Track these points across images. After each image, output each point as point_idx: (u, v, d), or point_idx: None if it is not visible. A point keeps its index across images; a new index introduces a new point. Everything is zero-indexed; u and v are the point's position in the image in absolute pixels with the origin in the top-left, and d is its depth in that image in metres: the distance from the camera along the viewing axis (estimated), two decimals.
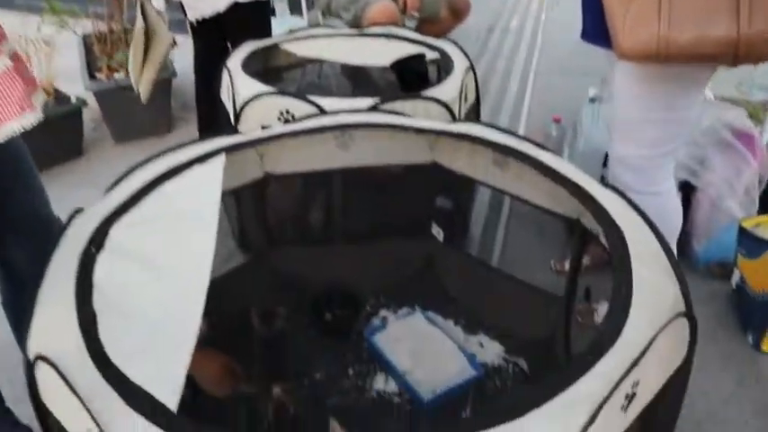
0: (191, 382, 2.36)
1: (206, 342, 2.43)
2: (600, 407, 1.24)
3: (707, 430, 2.52)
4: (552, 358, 2.42)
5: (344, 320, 2.78)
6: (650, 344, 1.36)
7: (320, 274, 2.83)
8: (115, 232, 1.76)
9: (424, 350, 2.55)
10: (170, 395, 1.29)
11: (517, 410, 1.14)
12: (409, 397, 2.41)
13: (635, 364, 1.33)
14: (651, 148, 2.41)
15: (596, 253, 2.29)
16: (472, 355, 2.55)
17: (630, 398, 1.38)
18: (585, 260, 2.34)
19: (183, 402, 2.29)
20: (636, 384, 1.38)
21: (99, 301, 1.53)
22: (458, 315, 2.76)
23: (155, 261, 1.70)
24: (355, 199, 2.89)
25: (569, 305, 2.34)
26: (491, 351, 2.60)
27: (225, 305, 2.49)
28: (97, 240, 1.72)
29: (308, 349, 2.65)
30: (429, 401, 2.36)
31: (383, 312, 2.81)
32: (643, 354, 1.34)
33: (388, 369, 2.51)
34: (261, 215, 2.80)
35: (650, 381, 1.45)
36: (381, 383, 2.48)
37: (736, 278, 3.03)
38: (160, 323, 1.53)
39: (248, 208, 2.87)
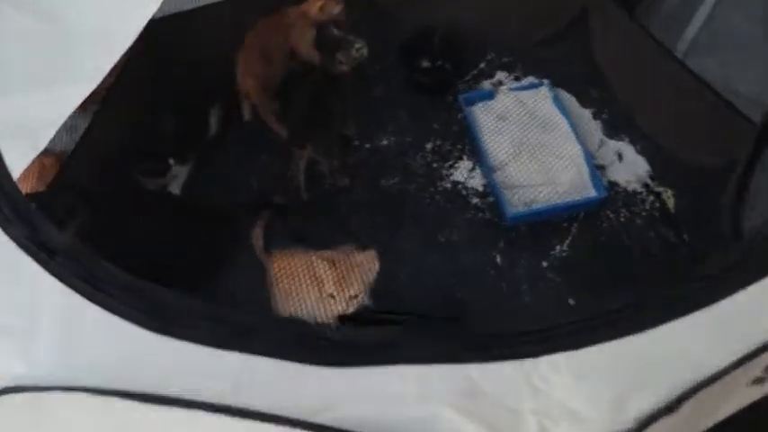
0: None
1: None
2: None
3: None
4: (713, 205, 1.81)
5: (443, 74, 2.23)
6: None
7: (427, 6, 2.22)
8: None
9: (534, 142, 1.98)
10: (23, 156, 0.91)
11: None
12: (493, 202, 1.95)
13: None
14: None
15: None
16: (599, 167, 1.99)
17: None
18: None
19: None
20: None
21: None
22: (601, 105, 2.11)
23: None
24: None
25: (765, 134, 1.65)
26: (631, 168, 1.98)
27: None
28: None
29: (384, 102, 2.17)
30: (513, 217, 1.88)
31: (498, 76, 2.21)
32: None
33: (478, 156, 2.01)
34: None
35: None
36: (463, 174, 1.99)
37: None
38: (82, 37, 1.10)
39: None
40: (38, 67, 1.05)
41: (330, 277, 1.47)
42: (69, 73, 1.05)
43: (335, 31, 1.94)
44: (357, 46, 1.92)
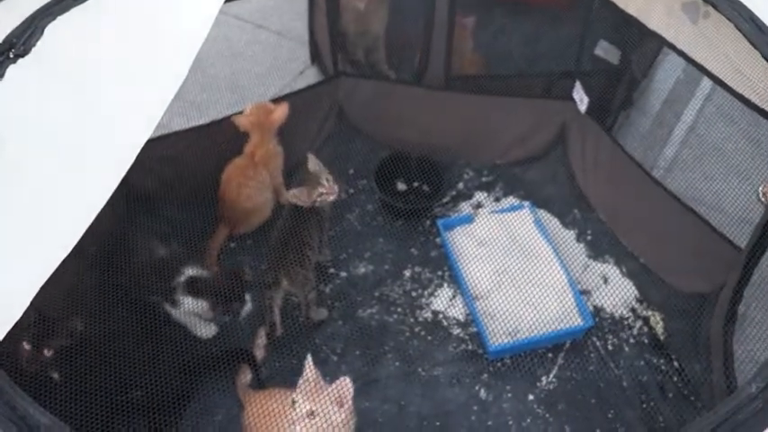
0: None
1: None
2: None
3: None
4: (701, 332, 1.97)
5: (421, 197, 2.41)
6: None
7: (403, 127, 2.44)
8: (52, 35, 1.47)
9: (516, 270, 2.13)
10: None
11: None
12: (476, 332, 2.08)
13: None
14: None
15: None
16: (584, 292, 2.14)
17: None
18: None
19: None
20: None
21: None
22: (584, 225, 2.28)
23: (90, 91, 1.40)
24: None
25: (753, 261, 1.82)
26: (617, 292, 2.12)
27: None
28: (21, 39, 1.44)
29: (359, 228, 2.34)
30: (495, 351, 2.00)
31: (478, 196, 2.40)
32: None
33: (458, 284, 2.18)
34: (333, 22, 2.41)
35: None
36: (443, 302, 2.14)
37: None
38: (52, 199, 1.27)
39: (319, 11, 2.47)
40: None
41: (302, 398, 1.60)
42: None
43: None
44: (325, 180, 2.02)
